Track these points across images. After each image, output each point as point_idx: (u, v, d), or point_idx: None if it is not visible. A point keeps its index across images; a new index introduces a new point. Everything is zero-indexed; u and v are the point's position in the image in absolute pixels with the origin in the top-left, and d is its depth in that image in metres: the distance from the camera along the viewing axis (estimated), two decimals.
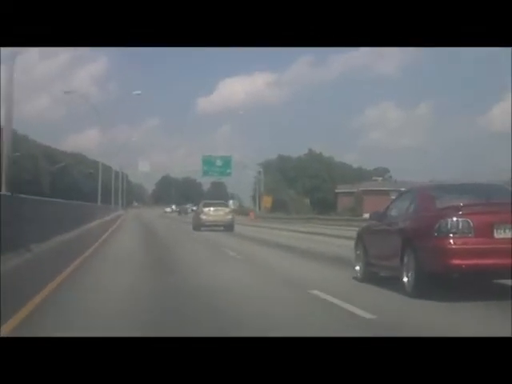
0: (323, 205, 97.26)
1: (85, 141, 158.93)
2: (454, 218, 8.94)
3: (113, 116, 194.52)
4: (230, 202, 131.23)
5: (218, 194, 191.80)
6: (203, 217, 35.70)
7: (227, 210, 37.21)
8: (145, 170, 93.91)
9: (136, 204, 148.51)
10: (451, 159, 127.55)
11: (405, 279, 9.54)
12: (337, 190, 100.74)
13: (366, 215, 62.26)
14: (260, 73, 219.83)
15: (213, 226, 34.42)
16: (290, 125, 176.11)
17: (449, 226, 8.95)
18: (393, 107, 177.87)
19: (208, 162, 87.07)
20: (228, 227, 34.46)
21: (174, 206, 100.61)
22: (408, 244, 9.61)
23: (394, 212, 10.97)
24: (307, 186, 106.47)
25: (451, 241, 8.91)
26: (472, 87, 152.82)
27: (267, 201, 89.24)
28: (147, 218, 66.17)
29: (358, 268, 11.82)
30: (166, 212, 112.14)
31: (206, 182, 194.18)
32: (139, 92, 75.06)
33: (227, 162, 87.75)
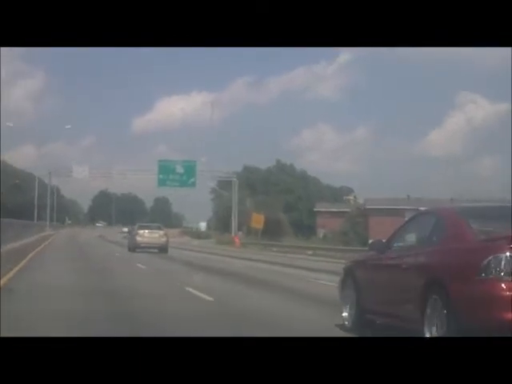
0: (298, 226, 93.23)
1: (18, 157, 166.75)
2: (508, 254, 7.59)
3: (47, 132, 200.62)
4: (203, 224, 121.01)
5: (162, 213, 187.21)
6: (138, 239, 43.88)
7: (161, 232, 44.98)
8: (81, 177, 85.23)
9: (69, 222, 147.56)
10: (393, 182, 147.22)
11: (427, 335, 8.14)
12: (316, 209, 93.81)
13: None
14: (198, 93, 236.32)
15: (147, 248, 42.22)
16: (228, 144, 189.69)
17: (502, 264, 7.57)
18: (330, 130, 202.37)
19: (166, 168, 79.14)
20: (162, 249, 42.45)
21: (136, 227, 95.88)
22: (434, 287, 8.26)
23: (405, 241, 9.73)
24: (281, 203, 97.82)
25: (505, 285, 7.53)
26: (411, 112, 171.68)
27: (258, 220, 72.45)
28: (88, 245, 51.95)
29: (345, 314, 10.65)
30: (123, 232, 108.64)
31: (148, 200, 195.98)
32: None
33: (190, 168, 79.56)
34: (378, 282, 9.97)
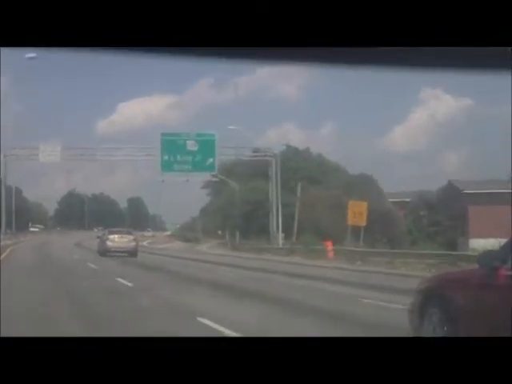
0: None
1: None
2: None
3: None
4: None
5: (139, 214, 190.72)
6: (109, 243, 52.25)
7: (131, 237, 53.72)
8: (51, 159, 72.14)
9: (36, 229, 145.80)
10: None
11: None
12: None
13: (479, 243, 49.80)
14: (160, 94, 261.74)
15: (117, 252, 49.98)
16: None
17: None
18: (294, 128, 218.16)
19: (172, 145, 65.06)
20: (131, 254, 50.24)
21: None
22: None
23: None
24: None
25: None
26: (373, 109, 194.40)
27: (359, 210, 54.25)
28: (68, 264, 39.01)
29: None
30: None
31: (122, 201, 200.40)
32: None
33: (208, 144, 65.55)
34: (490, 309, 8.61)
